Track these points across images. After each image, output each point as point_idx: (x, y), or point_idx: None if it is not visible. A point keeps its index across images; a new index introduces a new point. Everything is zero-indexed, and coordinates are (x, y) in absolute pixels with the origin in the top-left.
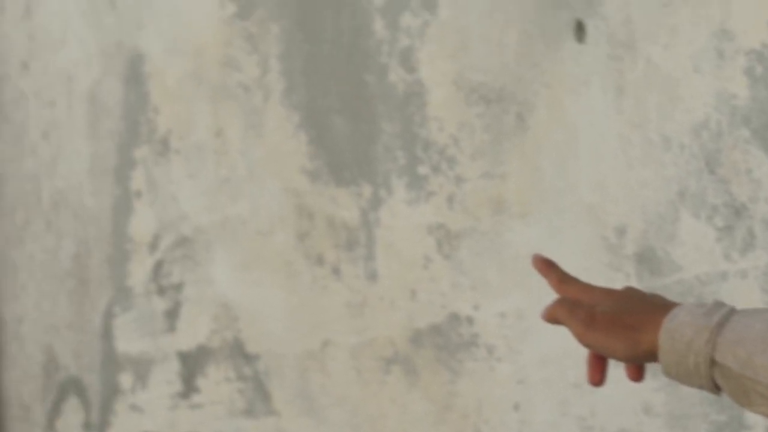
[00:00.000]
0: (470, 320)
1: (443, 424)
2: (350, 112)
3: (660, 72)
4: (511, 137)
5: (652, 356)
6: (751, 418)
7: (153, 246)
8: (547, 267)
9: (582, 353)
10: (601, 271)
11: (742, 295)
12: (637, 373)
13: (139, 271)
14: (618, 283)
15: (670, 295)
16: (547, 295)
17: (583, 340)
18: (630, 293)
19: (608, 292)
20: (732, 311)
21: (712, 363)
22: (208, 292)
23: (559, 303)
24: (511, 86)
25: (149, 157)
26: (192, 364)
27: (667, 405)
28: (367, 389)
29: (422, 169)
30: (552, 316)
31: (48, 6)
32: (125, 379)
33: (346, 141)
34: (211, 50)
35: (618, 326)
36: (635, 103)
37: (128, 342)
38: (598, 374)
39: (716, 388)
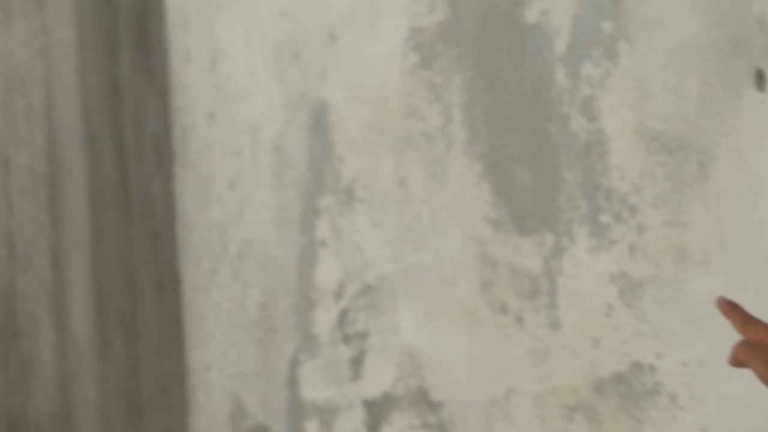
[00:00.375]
0: (653, 369)
1: None
2: (532, 161)
3: None
4: (693, 185)
5: None
6: None
7: (338, 294)
8: (731, 309)
9: (766, 400)
10: None
11: None
12: None
13: (324, 320)
14: None
15: None
16: (729, 342)
17: (766, 381)
18: None
19: None
20: None
21: None
22: (392, 340)
23: (742, 345)
24: (692, 135)
25: (334, 207)
26: (377, 411)
27: None
28: None
29: (604, 218)
30: (736, 359)
31: (233, 57)
32: (311, 427)
33: (528, 190)
34: (394, 100)
35: None
36: None
37: (314, 390)
38: None
39: None
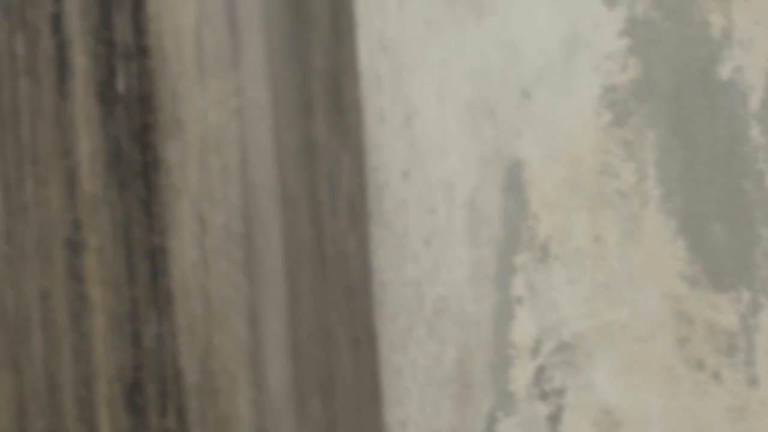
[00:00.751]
0: None
1: None
2: (727, 218)
3: None
4: None
5: None
6: None
7: (534, 351)
8: None
9: None
10: None
11: None
12: None
13: (521, 377)
14: None
15: None
16: None
17: None
18: None
19: None
20: None
21: None
22: (589, 397)
23: None
24: None
25: (529, 264)
26: None
27: None
28: None
29: None
30: None
31: (427, 115)
32: None
33: (723, 246)
34: (587, 158)
35: None
36: None
37: None
38: None
39: None
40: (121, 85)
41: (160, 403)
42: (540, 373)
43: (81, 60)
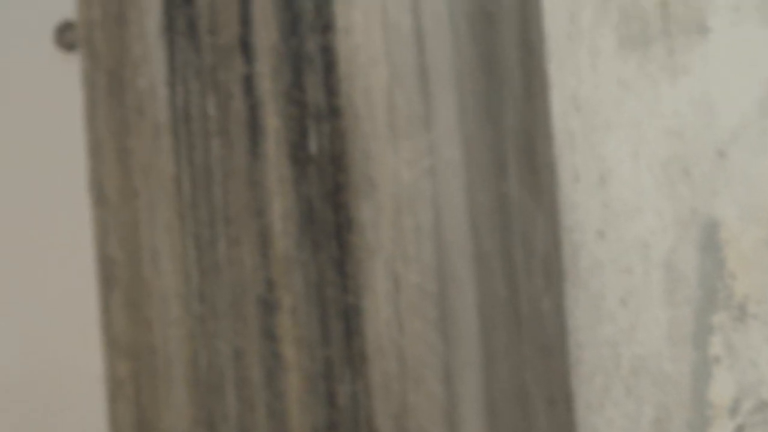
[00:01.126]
0: None
1: None
2: None
3: None
4: None
5: None
6: None
7: (733, 411)
8: None
9: None
10: None
11: None
12: None
13: None
14: None
15: None
16: None
17: None
18: None
19: None
20: None
21: None
22: None
23: None
24: None
25: (727, 323)
26: None
27: None
28: None
29: None
30: None
31: (622, 174)
32: None
33: None
34: None
35: None
36: None
37: None
38: None
39: None
40: (313, 145)
41: None
42: None
43: (273, 121)
